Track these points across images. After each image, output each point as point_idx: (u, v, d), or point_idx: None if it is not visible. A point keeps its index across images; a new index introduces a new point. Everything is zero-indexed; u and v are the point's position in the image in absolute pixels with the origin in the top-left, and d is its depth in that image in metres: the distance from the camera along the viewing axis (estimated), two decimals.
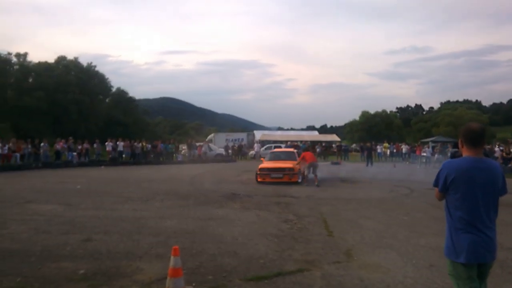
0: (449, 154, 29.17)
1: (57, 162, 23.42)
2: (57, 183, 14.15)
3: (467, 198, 2.86)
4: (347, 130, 78.40)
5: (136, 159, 27.30)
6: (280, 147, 40.07)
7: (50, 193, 11.43)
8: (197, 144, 32.24)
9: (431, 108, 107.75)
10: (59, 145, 24.76)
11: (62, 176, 16.97)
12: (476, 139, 2.92)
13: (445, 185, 2.94)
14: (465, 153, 2.97)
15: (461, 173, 2.87)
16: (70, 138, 26.33)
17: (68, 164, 23.41)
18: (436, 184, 3.03)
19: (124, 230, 6.85)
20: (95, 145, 27.41)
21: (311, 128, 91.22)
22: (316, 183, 14.00)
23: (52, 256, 5.27)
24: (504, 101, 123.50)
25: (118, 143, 27.39)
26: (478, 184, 2.84)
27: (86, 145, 26.24)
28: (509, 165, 23.66)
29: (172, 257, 4.00)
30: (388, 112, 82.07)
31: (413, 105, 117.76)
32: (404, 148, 32.96)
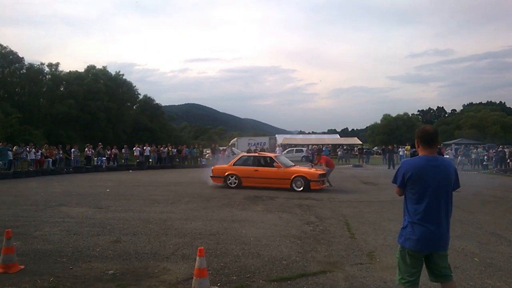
0: (473, 156, 28.62)
1: (87, 166, 24.14)
2: (87, 187, 14.62)
3: (422, 193, 3.16)
4: (368, 133, 77.80)
5: (162, 163, 27.87)
6: (301, 150, 40.09)
7: (80, 196, 11.82)
8: (221, 148, 32.56)
9: (454, 110, 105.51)
10: (89, 150, 25.54)
11: (92, 180, 17.50)
12: (430, 139, 3.24)
13: (403, 182, 3.26)
14: (421, 152, 3.29)
15: (417, 171, 3.19)
16: (100, 144, 27.15)
17: (97, 169, 24.14)
18: (394, 181, 3.36)
19: (151, 231, 7.07)
20: (123, 150, 28.11)
21: (332, 131, 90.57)
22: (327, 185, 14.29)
23: (83, 257, 5.51)
24: None
25: (145, 148, 28.05)
26: (432, 180, 3.15)
27: (114, 150, 27.06)
28: None
29: (197, 258, 4.13)
30: (410, 115, 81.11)
31: (435, 108, 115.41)
32: None
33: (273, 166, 13.88)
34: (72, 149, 24.54)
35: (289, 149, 41.50)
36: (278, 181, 13.58)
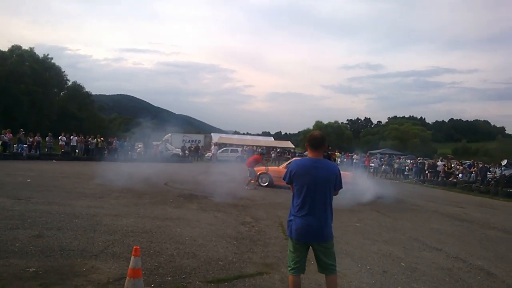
0: (395, 166, 30.47)
1: (4, 153, 22.23)
2: (5, 175, 13.41)
3: (301, 189, 3.52)
4: (300, 138, 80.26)
5: (90, 155, 26.48)
6: (237, 150, 40.19)
7: None
8: (154, 143, 31.64)
9: (379, 122, 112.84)
10: (8, 136, 23.57)
11: (10, 168, 16.11)
12: (316, 143, 3.61)
13: (290, 179, 3.63)
14: (309, 154, 3.66)
15: (301, 169, 3.56)
16: (21, 130, 25.13)
17: (17, 157, 22.24)
18: (284, 178, 3.72)
19: (78, 227, 6.61)
20: (47, 139, 26.32)
21: (266, 134, 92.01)
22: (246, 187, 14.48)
23: (0, 252, 5.00)
24: (446, 119, 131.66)
25: (72, 137, 26.46)
26: (313, 179, 3.49)
27: (37, 138, 25.17)
28: (450, 179, 24.96)
29: (132, 257, 3.91)
30: (340, 123, 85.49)
31: (362, 118, 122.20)
32: (356, 158, 33.78)
33: None
34: None
35: (224, 148, 41.37)
36: None
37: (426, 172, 27.93)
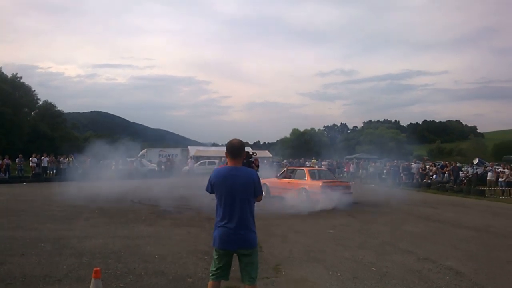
0: (371, 170, 30.90)
1: None
2: None
3: (221, 197, 3.56)
4: (278, 147, 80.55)
5: (62, 175, 25.85)
6: (214, 163, 39.96)
7: None
8: (128, 159, 31.14)
9: (355, 127, 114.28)
10: None
11: None
12: (234, 152, 3.64)
13: (211, 188, 3.65)
14: (228, 163, 3.69)
15: (220, 178, 3.59)
16: None
17: None
18: (207, 188, 3.71)
19: (43, 251, 6.41)
20: (17, 160, 25.60)
21: (245, 144, 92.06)
22: None
23: None
24: (420, 121, 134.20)
25: (42, 158, 25.83)
26: (232, 187, 3.52)
27: (6, 160, 24.52)
28: (425, 180, 25.42)
29: (92, 280, 3.80)
30: (316, 130, 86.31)
31: (339, 124, 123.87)
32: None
33: None
34: None
35: (202, 161, 41.06)
36: None
37: (401, 175, 28.32)
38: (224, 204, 3.54)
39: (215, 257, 3.61)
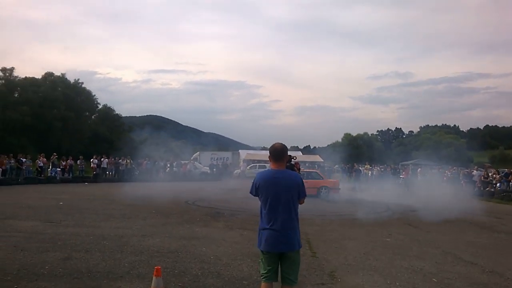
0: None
1: (39, 178, 23.02)
2: (38, 199, 13.87)
3: (265, 200, 3.59)
4: (330, 152, 79.40)
5: (120, 176, 27.02)
6: (265, 166, 40.07)
7: (31, 209, 11.19)
8: (182, 162, 32.01)
9: (411, 132, 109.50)
10: (42, 160, 24.43)
11: (44, 192, 16.64)
12: (277, 155, 3.68)
13: (256, 191, 3.68)
14: (271, 166, 3.73)
15: (264, 181, 3.63)
16: (54, 154, 26.01)
17: (50, 180, 23.03)
18: (251, 191, 3.75)
19: (105, 248, 6.72)
20: (78, 162, 27.06)
21: (295, 148, 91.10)
22: None
23: (30, 275, 5.11)
24: (481, 126, 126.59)
25: (102, 160, 27.13)
26: (277, 190, 3.56)
27: (70, 161, 25.98)
28: (487, 189, 24.00)
29: (154, 278, 3.92)
30: (370, 135, 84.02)
31: (393, 129, 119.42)
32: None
33: None
34: (23, 159, 23.34)
35: (252, 164, 41.37)
36: None
37: (461, 182, 26.97)
38: (269, 207, 3.58)
39: (263, 259, 3.64)
